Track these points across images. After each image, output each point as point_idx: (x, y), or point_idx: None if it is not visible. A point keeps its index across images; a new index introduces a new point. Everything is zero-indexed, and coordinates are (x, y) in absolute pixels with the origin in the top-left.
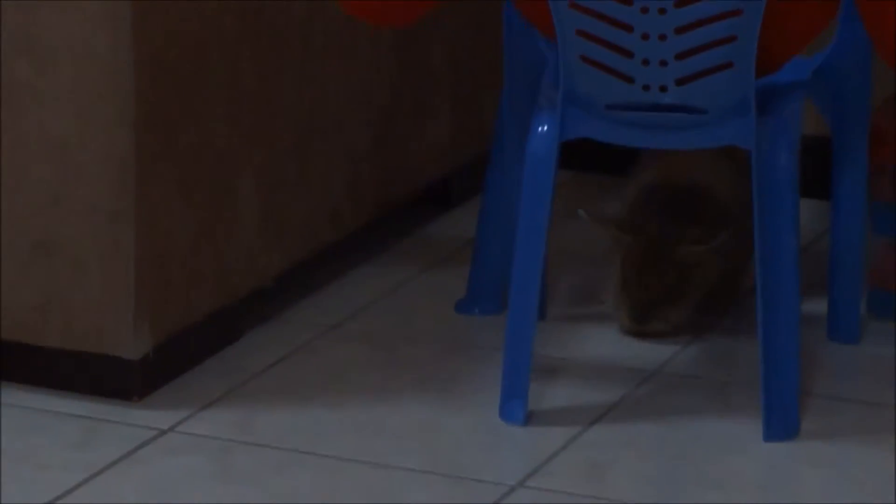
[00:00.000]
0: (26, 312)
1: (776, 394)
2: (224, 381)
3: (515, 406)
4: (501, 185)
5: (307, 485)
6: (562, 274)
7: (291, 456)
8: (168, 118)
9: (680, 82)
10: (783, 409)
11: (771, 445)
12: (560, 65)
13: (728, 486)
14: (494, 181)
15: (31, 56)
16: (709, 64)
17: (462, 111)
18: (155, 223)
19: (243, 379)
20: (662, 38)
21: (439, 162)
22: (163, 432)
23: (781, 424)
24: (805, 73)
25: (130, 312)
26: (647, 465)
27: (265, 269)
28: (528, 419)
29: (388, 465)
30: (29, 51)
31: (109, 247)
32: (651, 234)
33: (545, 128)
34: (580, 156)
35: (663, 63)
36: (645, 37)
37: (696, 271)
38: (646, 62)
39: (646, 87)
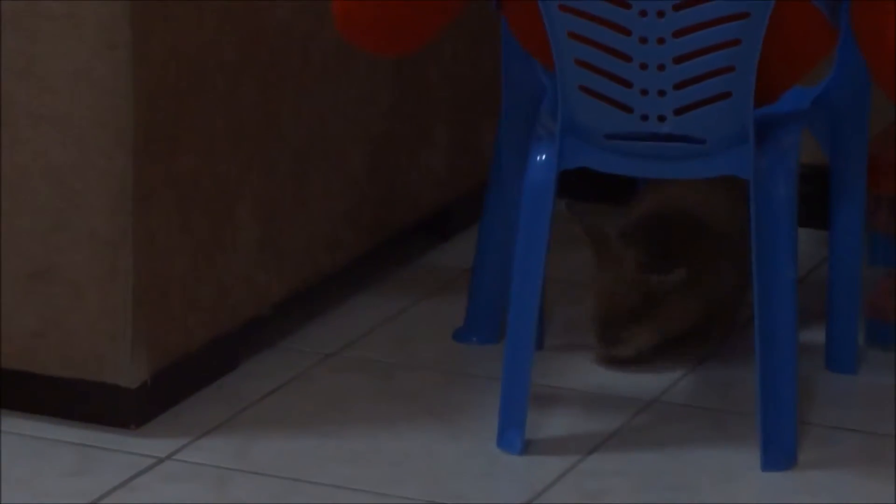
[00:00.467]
0: (24, 339)
1: (774, 423)
2: (222, 408)
3: (513, 435)
4: (499, 215)
5: None
6: (559, 303)
7: (289, 484)
8: (167, 145)
9: (678, 112)
10: (781, 439)
11: (768, 475)
12: (558, 94)
13: None
14: (492, 210)
15: (30, 81)
16: (707, 94)
17: (461, 140)
18: (153, 250)
19: (241, 407)
20: (661, 68)
21: (438, 190)
22: (160, 460)
23: (779, 454)
24: (804, 103)
25: (128, 340)
26: (645, 495)
27: (263, 297)
28: (526, 448)
29: (386, 493)
30: (28, 76)
31: (108, 274)
32: (626, 258)
33: (543, 157)
34: (579, 185)
35: (662, 93)
36: (643, 67)
37: (666, 299)
38: (644, 92)
39: (644, 117)
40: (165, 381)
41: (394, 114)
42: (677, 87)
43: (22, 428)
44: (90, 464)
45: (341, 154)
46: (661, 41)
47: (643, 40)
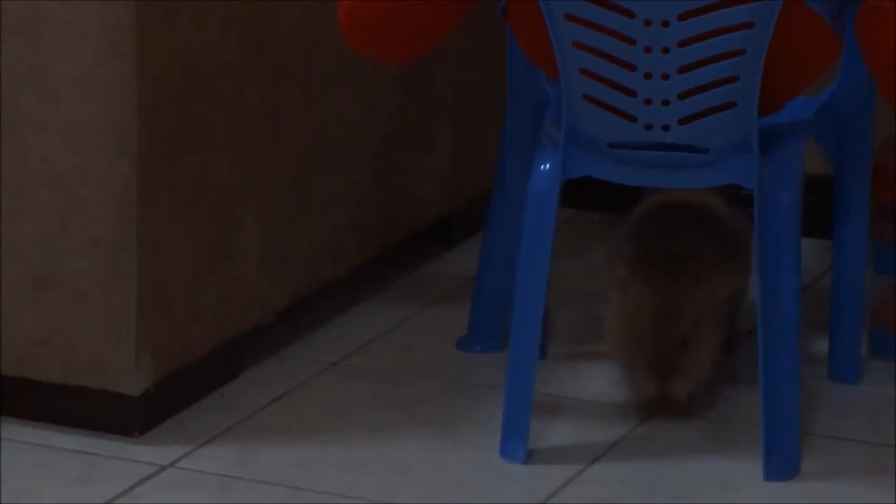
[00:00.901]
0: (27, 347)
1: (776, 433)
2: (225, 416)
3: (516, 444)
4: (503, 223)
5: None
6: (563, 312)
7: (292, 492)
8: (170, 150)
9: (682, 121)
10: (783, 449)
11: (771, 485)
12: (562, 103)
13: None
14: (496, 219)
15: (34, 87)
16: (711, 103)
17: (464, 148)
18: (156, 257)
19: (244, 415)
20: (665, 77)
21: (441, 199)
22: (163, 468)
23: (781, 464)
24: (808, 112)
25: (131, 347)
26: None
27: (266, 305)
28: (529, 457)
29: (389, 502)
30: (31, 81)
31: (110, 281)
32: (662, 272)
33: (547, 166)
34: (582, 194)
35: (666, 102)
36: (648, 76)
37: (716, 305)
38: (648, 101)
39: (648, 126)
40: (168, 389)
41: (398, 120)
42: (681, 96)
43: (24, 435)
44: (93, 471)
45: (345, 161)
46: (665, 51)
47: (647, 50)
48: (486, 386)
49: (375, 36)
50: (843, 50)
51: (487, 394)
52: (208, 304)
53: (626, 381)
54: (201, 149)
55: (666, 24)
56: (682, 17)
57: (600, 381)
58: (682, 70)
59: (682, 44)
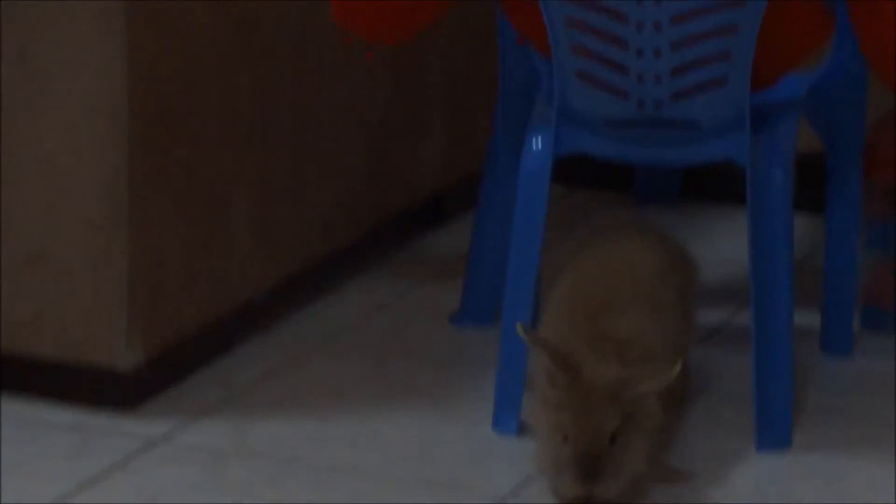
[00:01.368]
0: (20, 324)
1: (768, 406)
2: (217, 392)
3: (508, 417)
4: (495, 200)
5: (300, 496)
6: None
7: (284, 467)
8: (161, 131)
9: (674, 98)
10: (775, 422)
11: (763, 458)
12: (554, 81)
13: (720, 498)
14: (488, 196)
15: (25, 71)
16: (703, 79)
17: (457, 125)
18: (148, 236)
19: (236, 390)
20: (657, 53)
21: (433, 176)
22: (155, 443)
23: (774, 437)
24: (800, 90)
25: (123, 324)
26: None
27: (258, 282)
28: (521, 430)
29: (381, 475)
30: (23, 65)
31: (102, 259)
32: (591, 372)
33: (539, 144)
34: (575, 171)
35: (658, 79)
36: (640, 53)
37: (643, 413)
38: (641, 78)
39: (640, 103)
40: (160, 365)
41: (389, 100)
42: (674, 72)
43: (17, 411)
44: (85, 446)
45: (336, 139)
46: (657, 27)
47: (640, 26)
48: (478, 361)
49: (365, 14)
50: (836, 28)
51: (480, 369)
52: (200, 281)
53: (550, 481)
54: (192, 130)
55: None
56: None
57: None
58: (674, 46)
59: (674, 20)
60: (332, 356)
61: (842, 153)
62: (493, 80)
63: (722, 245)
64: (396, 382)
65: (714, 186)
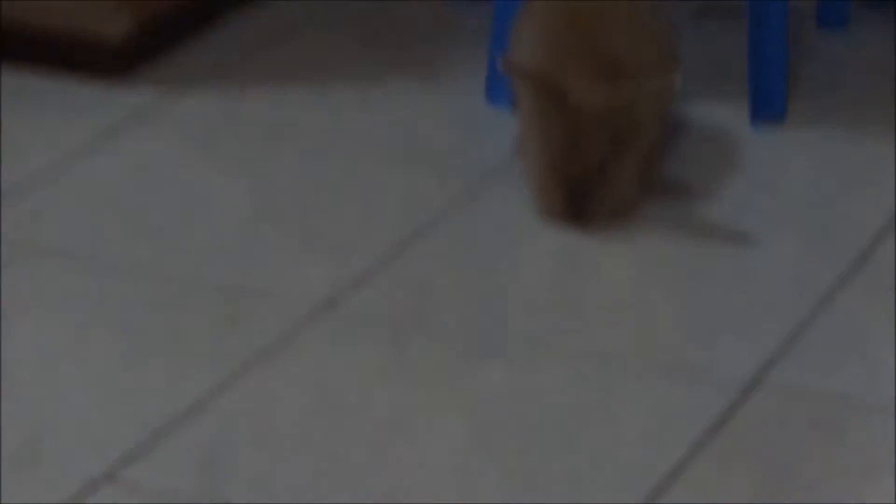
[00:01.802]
0: None
1: (763, 78)
2: (207, 62)
3: (501, 90)
4: None
5: (288, 165)
6: None
7: (273, 136)
8: None
9: None
10: (770, 94)
11: (758, 130)
12: None
13: (713, 168)
14: None
15: None
16: None
17: None
18: None
19: (226, 61)
20: None
21: None
22: (145, 112)
23: (768, 108)
24: None
25: None
26: None
27: None
28: (514, 103)
29: (371, 146)
30: None
31: None
32: (578, 98)
33: None
34: None
35: None
36: None
37: (637, 133)
38: None
39: None
40: (150, 33)
41: None
42: None
43: (4, 79)
44: (74, 114)
45: None
46: None
47: None
48: (471, 34)
49: None
50: None
51: (473, 39)
52: None
53: (538, 199)
54: None
55: None
56: None
57: None
58: None
59: None
60: (324, 28)
61: None
62: None
63: None
64: (388, 54)
65: None
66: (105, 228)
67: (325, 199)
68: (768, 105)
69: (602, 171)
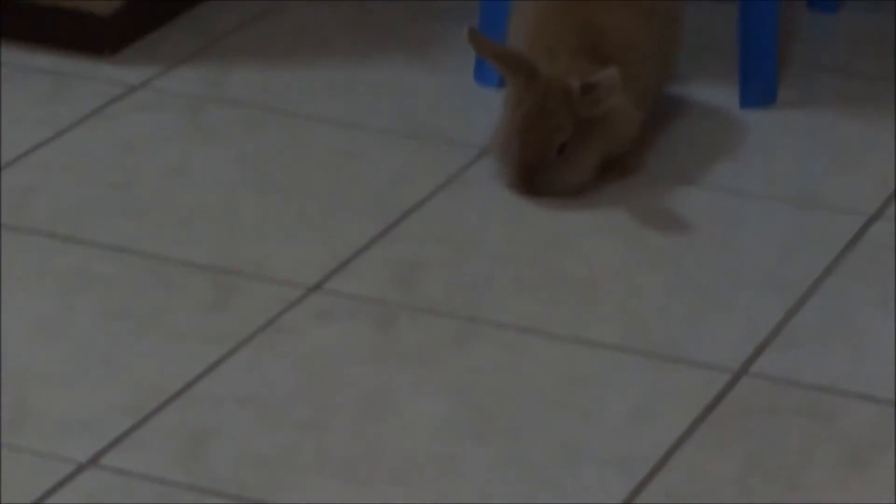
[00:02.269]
0: None
1: (754, 60)
2: (197, 38)
3: (489, 69)
4: None
5: (277, 143)
6: None
7: (262, 113)
8: None
9: None
10: (760, 76)
11: (747, 112)
12: None
13: (703, 151)
14: None
15: None
16: None
17: None
18: None
19: (216, 37)
20: None
21: None
22: (134, 88)
23: (758, 91)
24: None
25: None
26: None
27: None
28: (502, 82)
29: (359, 124)
30: None
31: None
32: (545, 77)
33: None
34: None
35: None
36: None
37: (600, 121)
38: None
39: None
40: (140, 9)
41: None
42: None
43: None
44: (64, 91)
45: None
46: None
47: None
48: (461, 11)
49: None
50: None
51: (463, 19)
52: None
53: (497, 167)
54: None
55: None
56: None
57: None
58: None
59: None
60: (313, 3)
61: None
62: None
63: None
64: (378, 32)
65: None
66: (93, 206)
67: (313, 177)
68: (759, 88)
69: (561, 151)
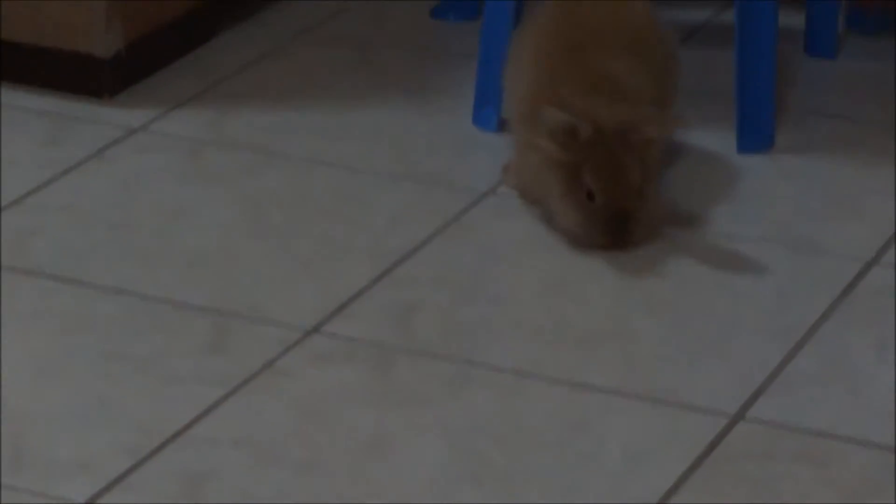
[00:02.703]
0: None
1: (751, 105)
2: (196, 81)
3: (489, 112)
4: None
5: (277, 185)
6: None
7: (262, 156)
8: None
9: None
10: (758, 121)
11: (745, 157)
12: None
13: (700, 197)
14: None
15: None
16: None
17: None
18: None
19: (215, 79)
20: None
21: None
22: (133, 131)
23: (756, 136)
24: None
25: (103, 9)
26: None
27: None
28: (501, 126)
29: (358, 167)
30: None
31: None
32: (610, 124)
33: None
34: None
35: None
36: None
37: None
38: None
39: None
40: (140, 52)
41: None
42: None
43: None
44: (63, 133)
45: None
46: None
47: None
48: (460, 54)
49: None
50: None
51: (461, 62)
52: None
53: (575, 235)
54: None
55: None
56: None
57: None
58: None
59: None
60: (312, 46)
61: None
62: None
63: None
64: (376, 74)
65: None
66: (92, 248)
67: (312, 220)
68: (757, 133)
69: (640, 194)
